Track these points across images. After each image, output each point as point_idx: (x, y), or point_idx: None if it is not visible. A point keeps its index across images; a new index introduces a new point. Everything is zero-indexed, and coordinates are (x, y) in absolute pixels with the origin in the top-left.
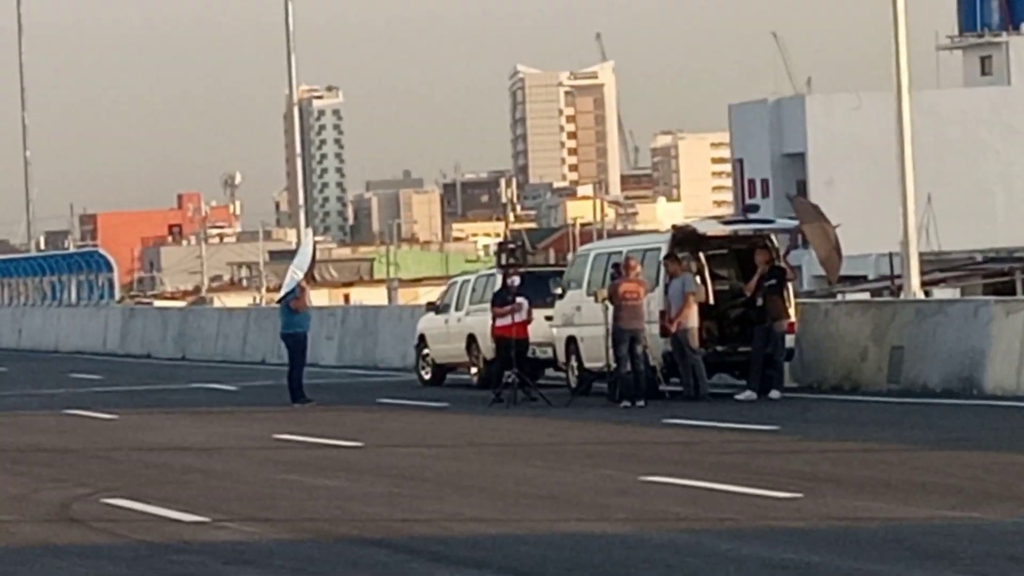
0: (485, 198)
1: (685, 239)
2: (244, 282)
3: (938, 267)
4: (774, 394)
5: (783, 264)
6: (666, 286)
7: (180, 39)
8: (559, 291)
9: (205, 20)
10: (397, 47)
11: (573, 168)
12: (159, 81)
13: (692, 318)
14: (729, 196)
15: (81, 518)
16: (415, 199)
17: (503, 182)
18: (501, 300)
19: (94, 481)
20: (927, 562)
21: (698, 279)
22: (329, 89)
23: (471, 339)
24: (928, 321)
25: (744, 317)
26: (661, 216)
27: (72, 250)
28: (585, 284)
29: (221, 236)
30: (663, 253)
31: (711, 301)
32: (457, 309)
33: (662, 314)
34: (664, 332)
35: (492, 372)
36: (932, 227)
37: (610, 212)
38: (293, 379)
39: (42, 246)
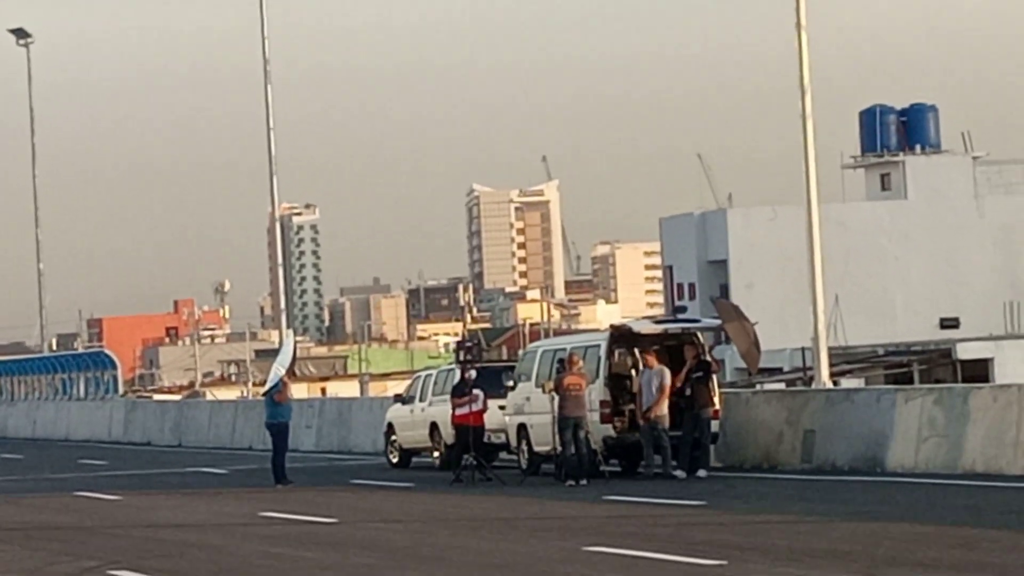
0: (445, 302)
1: (622, 337)
2: (233, 377)
3: (845, 360)
4: (701, 473)
5: (709, 358)
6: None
7: (177, 165)
8: (511, 383)
9: (199, 147)
10: (367, 168)
11: (523, 275)
12: (160, 201)
13: (664, 406)
14: (661, 299)
15: None
16: (384, 303)
17: (461, 287)
18: (460, 392)
19: (101, 555)
20: None
21: (667, 371)
22: (307, 206)
23: (433, 426)
24: (837, 407)
25: (675, 405)
26: (601, 317)
27: (81, 350)
28: (534, 377)
29: (212, 337)
30: (603, 349)
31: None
32: (421, 400)
33: (602, 403)
34: (603, 419)
35: (452, 455)
36: (840, 324)
37: (555, 313)
38: (276, 463)
39: (54, 347)
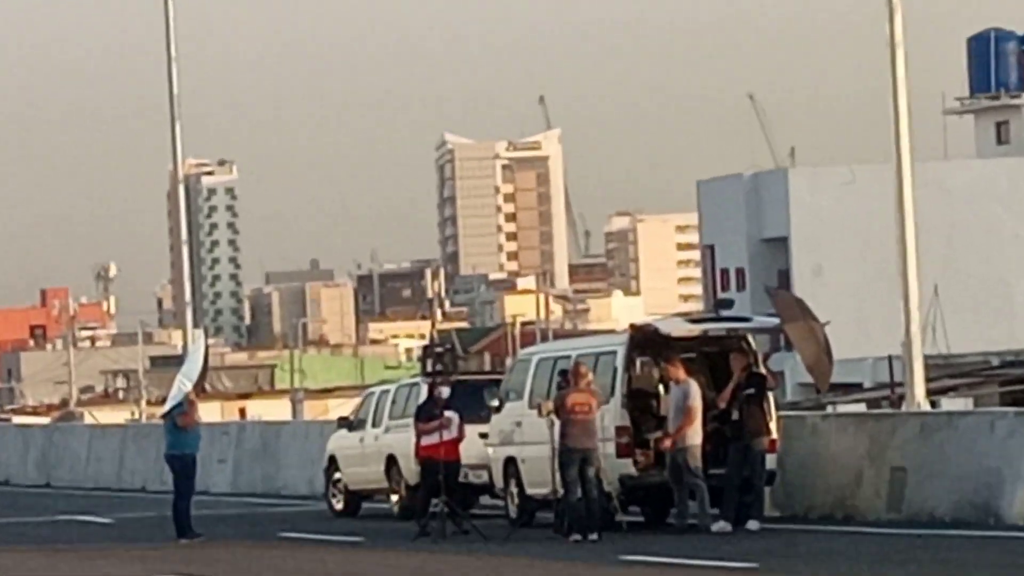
0: (407, 292)
1: (645, 341)
2: (120, 394)
3: (947, 373)
4: (752, 525)
5: (763, 370)
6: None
7: (51, 112)
8: (495, 403)
9: (80, 89)
10: (299, 114)
11: (512, 256)
12: (27, 157)
13: (694, 435)
14: (698, 289)
15: None
16: (324, 294)
17: (429, 273)
18: (427, 414)
19: None
20: None
21: (695, 386)
22: (221, 163)
23: (391, 461)
24: (935, 437)
25: (717, 433)
26: (617, 313)
27: None
28: (527, 395)
29: (93, 339)
30: (620, 358)
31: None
32: (375, 425)
33: (618, 430)
34: (620, 452)
35: (416, 500)
36: (939, 325)
37: (556, 309)
38: (179, 510)
39: None
